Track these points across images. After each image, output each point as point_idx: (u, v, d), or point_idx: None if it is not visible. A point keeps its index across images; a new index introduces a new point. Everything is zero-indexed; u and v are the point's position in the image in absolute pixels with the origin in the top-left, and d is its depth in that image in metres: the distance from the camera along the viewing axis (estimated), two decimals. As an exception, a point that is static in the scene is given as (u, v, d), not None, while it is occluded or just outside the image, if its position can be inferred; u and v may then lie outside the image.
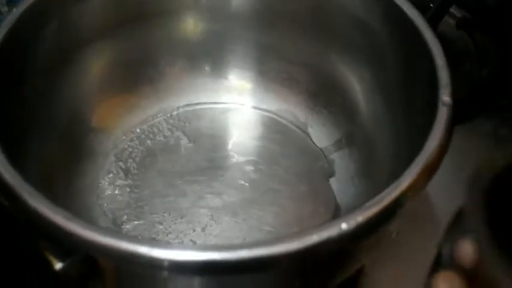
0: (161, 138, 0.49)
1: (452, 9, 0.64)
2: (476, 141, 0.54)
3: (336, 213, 0.44)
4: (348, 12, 0.44)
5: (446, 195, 0.49)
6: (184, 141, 0.49)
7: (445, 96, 0.35)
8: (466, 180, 0.23)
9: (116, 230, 0.42)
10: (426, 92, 0.37)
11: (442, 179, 0.50)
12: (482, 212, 0.23)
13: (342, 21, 0.45)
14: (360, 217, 0.29)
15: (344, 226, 0.28)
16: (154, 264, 0.28)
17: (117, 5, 0.45)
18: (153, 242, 0.38)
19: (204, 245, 0.41)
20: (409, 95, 0.40)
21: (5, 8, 0.55)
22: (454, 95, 0.56)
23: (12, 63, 0.38)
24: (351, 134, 0.47)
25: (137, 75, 0.49)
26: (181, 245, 0.40)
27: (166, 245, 0.31)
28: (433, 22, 0.43)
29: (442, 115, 0.34)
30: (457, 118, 0.54)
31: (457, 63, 0.61)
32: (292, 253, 0.28)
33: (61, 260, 0.30)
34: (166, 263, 0.28)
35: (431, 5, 0.43)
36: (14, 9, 0.39)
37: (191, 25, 0.49)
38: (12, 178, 0.31)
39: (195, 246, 0.38)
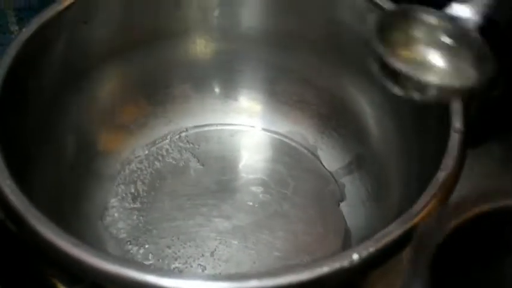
0: (171, 160, 0.49)
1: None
2: (487, 167, 0.53)
3: (346, 238, 0.44)
4: (361, 37, 0.44)
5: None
6: (193, 163, 0.49)
7: (457, 123, 0.34)
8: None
9: (124, 257, 0.42)
10: (438, 117, 0.37)
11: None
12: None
13: (354, 46, 0.45)
14: (372, 248, 0.28)
15: (355, 257, 0.28)
16: (163, 294, 0.28)
17: (125, 28, 0.45)
18: (162, 270, 0.38)
19: (214, 274, 0.41)
20: (421, 120, 0.40)
21: (15, 27, 0.55)
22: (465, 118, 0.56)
23: (21, 85, 0.38)
24: (362, 158, 0.47)
25: (146, 96, 0.49)
26: (190, 275, 0.40)
27: (175, 274, 0.30)
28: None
29: (454, 142, 0.34)
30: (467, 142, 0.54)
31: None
32: (303, 283, 0.27)
33: (69, 286, 0.30)
34: (174, 293, 0.28)
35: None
36: (24, 29, 0.39)
37: (201, 46, 0.49)
38: (20, 203, 0.31)
39: (204, 275, 0.38)
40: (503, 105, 0.57)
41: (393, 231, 0.29)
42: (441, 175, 0.32)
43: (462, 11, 0.36)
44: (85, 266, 0.29)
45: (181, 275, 0.31)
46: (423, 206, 0.30)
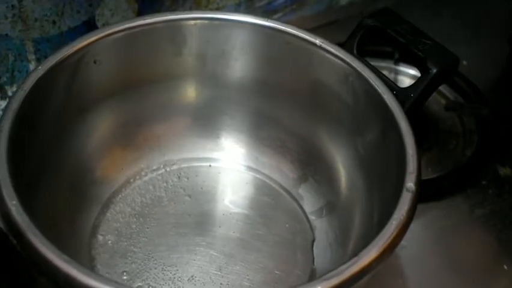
0: (160, 191, 0.53)
1: (446, 91, 0.69)
2: (453, 219, 0.58)
3: (312, 277, 0.48)
4: (338, 96, 0.49)
5: (420, 267, 0.53)
6: (181, 195, 0.53)
7: (409, 183, 0.39)
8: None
9: (107, 278, 0.46)
10: (396, 176, 0.41)
11: (416, 251, 0.54)
12: None
13: (332, 102, 0.50)
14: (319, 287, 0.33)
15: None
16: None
17: (129, 70, 0.51)
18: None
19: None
20: (383, 176, 0.44)
21: (33, 56, 0.60)
22: (439, 171, 0.60)
23: (31, 115, 0.43)
24: (333, 203, 0.52)
25: (141, 132, 0.54)
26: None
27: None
28: (413, 109, 0.48)
29: (404, 200, 0.38)
30: (436, 194, 0.58)
31: (444, 142, 0.65)
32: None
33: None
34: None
35: (411, 95, 0.48)
36: (39, 67, 0.44)
37: (194, 90, 0.55)
38: (23, 221, 0.35)
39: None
40: (475, 164, 0.62)
41: (339, 275, 0.34)
42: (387, 231, 0.36)
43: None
44: (72, 281, 0.33)
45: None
46: (368, 257, 0.35)
